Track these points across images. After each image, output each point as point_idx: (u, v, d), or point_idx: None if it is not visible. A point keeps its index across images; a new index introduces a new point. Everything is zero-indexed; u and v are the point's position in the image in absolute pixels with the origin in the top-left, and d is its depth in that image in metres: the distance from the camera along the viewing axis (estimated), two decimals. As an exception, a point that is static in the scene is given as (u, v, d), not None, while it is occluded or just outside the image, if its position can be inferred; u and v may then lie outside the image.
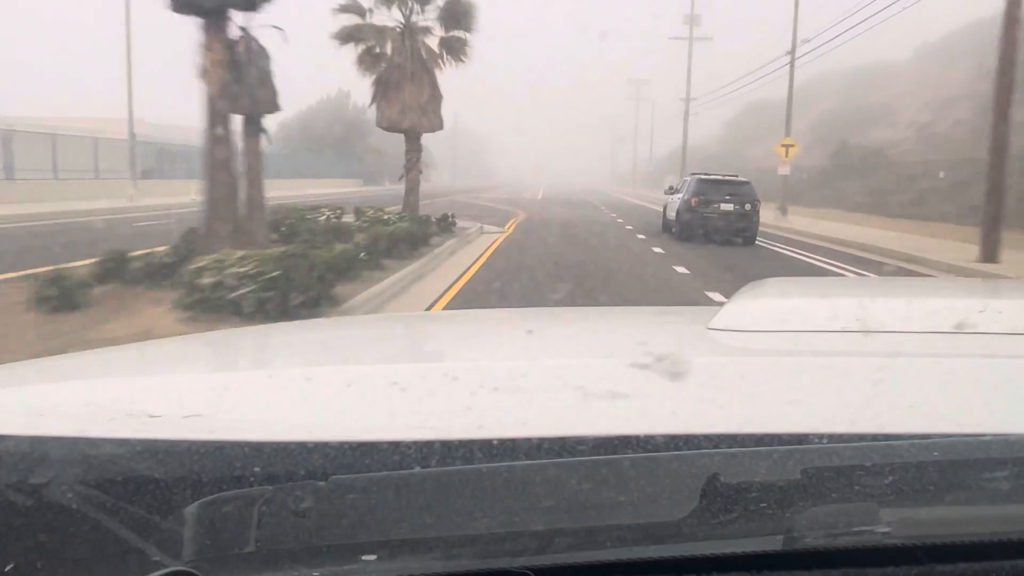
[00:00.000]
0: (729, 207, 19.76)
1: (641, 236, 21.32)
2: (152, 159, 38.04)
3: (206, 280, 7.37)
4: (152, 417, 0.87)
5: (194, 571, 0.72)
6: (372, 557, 0.74)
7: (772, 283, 1.48)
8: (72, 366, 1.21)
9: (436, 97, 20.87)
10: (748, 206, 19.86)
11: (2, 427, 0.83)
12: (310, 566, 0.74)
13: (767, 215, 24.13)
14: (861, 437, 0.83)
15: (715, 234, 19.38)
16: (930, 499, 0.81)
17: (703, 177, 20.90)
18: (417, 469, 0.79)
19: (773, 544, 0.76)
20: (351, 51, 20.39)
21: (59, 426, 0.85)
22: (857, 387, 0.96)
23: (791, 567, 0.76)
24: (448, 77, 21.03)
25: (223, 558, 0.74)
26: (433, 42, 20.68)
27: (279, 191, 29.25)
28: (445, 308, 9.34)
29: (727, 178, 21.06)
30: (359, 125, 68.39)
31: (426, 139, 21.32)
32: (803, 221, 28.11)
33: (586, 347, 1.34)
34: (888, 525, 0.77)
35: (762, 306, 1.26)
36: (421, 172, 21.48)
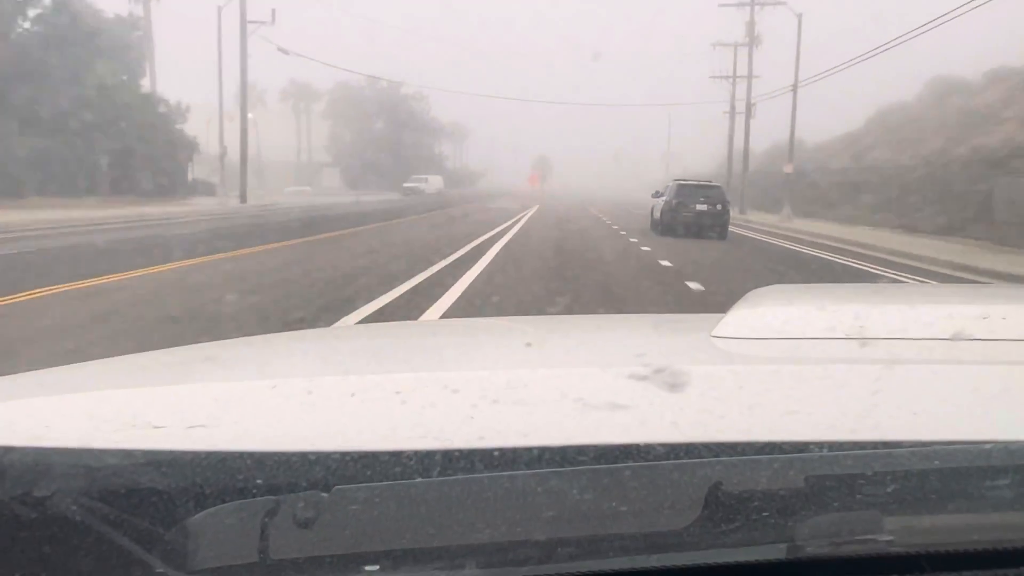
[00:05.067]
0: (703, 207, 24.09)
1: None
2: None
3: None
4: (155, 428, 0.87)
5: None
6: (375, 567, 0.74)
7: (773, 291, 1.48)
8: (75, 378, 1.21)
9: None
10: (719, 206, 24.34)
11: (6, 439, 0.83)
12: None
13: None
14: (862, 445, 0.83)
15: (692, 229, 23.42)
16: (932, 507, 0.81)
17: (682, 182, 25.57)
18: (419, 479, 0.80)
19: (776, 553, 0.76)
20: None
21: (63, 438, 0.85)
22: (858, 395, 0.96)
23: None
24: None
25: (226, 569, 0.75)
26: None
27: None
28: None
29: (702, 183, 25.75)
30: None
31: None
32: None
33: (586, 357, 1.34)
34: (891, 533, 0.77)
35: (763, 314, 1.26)
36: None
